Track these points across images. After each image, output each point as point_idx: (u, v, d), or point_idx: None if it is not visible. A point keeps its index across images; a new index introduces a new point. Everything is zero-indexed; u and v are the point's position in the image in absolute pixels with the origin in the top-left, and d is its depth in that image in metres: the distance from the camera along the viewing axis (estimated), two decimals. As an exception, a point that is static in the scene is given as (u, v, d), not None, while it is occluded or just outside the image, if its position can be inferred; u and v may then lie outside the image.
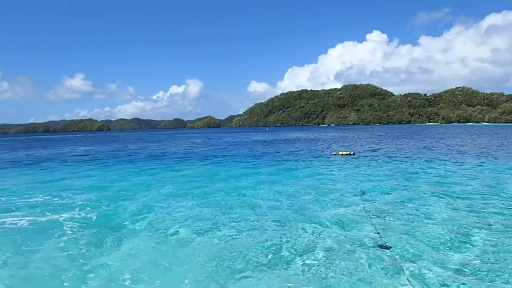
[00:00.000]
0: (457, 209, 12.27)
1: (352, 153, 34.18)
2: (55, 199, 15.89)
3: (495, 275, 7.30)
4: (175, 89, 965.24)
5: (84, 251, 9.31)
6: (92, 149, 54.31)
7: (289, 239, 9.76)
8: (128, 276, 7.75)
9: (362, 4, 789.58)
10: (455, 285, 6.94)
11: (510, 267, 7.63)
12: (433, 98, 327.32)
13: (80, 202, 14.99)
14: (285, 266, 8.00)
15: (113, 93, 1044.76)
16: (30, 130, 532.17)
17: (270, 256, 8.61)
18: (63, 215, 12.96)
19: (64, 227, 11.42)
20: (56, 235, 10.67)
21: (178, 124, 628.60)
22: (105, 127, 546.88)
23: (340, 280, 7.28)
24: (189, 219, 11.99)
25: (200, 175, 22.40)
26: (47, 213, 13.27)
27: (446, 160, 26.97)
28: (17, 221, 12.26)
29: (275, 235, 10.11)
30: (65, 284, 7.53)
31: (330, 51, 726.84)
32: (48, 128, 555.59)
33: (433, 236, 9.59)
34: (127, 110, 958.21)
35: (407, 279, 7.19)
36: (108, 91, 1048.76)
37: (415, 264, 7.87)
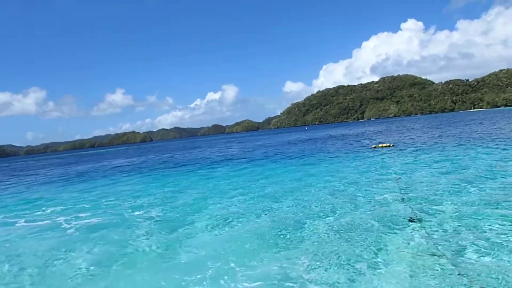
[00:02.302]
0: (489, 192, 13.20)
1: (391, 145, 34.76)
2: (122, 202, 18.15)
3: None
4: (211, 95, 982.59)
5: (155, 239, 11.13)
6: (141, 159, 57.50)
7: (332, 216, 11.19)
8: (200, 257, 9.45)
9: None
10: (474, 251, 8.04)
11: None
12: (476, 83, 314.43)
13: (141, 203, 17.08)
14: (329, 242, 9.39)
15: (153, 105, 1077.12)
16: (78, 146, 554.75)
17: (306, 232, 10.03)
18: (130, 213, 15.06)
19: (134, 222, 13.42)
20: (129, 228, 12.64)
21: (217, 130, 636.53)
22: (148, 138, 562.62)
23: (370, 250, 8.57)
24: (242, 213, 13.72)
25: (251, 173, 24.14)
26: (117, 213, 15.39)
27: (479, 145, 27.15)
28: (93, 220, 14.42)
29: (312, 214, 11.56)
30: (148, 263, 9.28)
31: (364, 44, 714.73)
32: (94, 143, 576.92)
33: (462, 213, 10.81)
34: (167, 120, 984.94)
35: (433, 249, 8.37)
36: (148, 103, 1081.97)
37: (443, 235, 9.05)
